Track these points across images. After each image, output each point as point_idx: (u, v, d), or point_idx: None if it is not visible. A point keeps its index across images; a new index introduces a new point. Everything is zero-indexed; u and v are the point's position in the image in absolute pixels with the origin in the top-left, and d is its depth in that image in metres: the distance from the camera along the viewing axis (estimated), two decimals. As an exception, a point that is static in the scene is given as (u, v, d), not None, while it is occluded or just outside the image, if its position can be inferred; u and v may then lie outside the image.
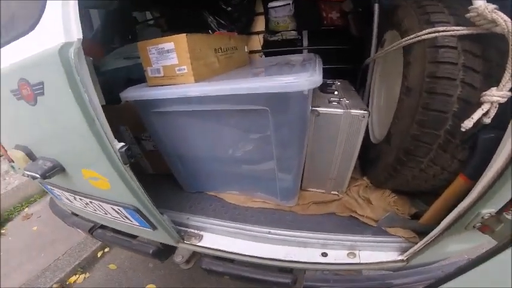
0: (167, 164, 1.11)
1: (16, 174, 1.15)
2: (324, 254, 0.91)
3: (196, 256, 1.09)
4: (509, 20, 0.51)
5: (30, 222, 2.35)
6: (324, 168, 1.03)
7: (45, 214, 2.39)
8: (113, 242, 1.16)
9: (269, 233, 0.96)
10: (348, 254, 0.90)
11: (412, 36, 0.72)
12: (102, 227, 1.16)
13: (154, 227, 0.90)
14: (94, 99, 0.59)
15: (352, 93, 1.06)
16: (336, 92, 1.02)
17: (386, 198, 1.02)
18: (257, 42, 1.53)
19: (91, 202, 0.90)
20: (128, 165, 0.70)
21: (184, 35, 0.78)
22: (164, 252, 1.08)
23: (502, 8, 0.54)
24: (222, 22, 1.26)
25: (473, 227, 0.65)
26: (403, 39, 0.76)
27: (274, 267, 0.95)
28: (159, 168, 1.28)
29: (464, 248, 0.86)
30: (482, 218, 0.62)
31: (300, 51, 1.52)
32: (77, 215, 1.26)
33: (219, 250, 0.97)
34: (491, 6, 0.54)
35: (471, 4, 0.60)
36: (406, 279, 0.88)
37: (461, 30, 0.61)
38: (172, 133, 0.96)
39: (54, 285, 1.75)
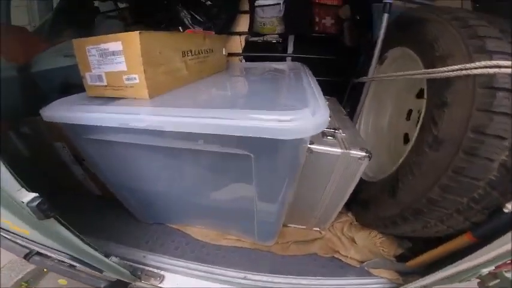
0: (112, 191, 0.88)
1: None
2: None
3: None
4: None
5: None
6: (309, 207, 0.86)
7: None
8: (55, 271, 0.91)
9: (245, 277, 0.81)
10: None
11: (457, 67, 0.51)
12: (38, 253, 0.91)
13: (100, 271, 0.71)
14: None
15: (346, 121, 0.89)
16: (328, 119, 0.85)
17: (372, 238, 0.91)
18: (237, 43, 1.32)
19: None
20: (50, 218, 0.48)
21: (136, 32, 0.54)
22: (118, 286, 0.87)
23: None
24: (198, 18, 1.03)
25: (467, 280, 0.64)
26: (443, 69, 0.54)
27: None
28: (108, 191, 1.03)
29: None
30: (480, 275, 0.60)
31: (284, 58, 1.33)
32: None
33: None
34: None
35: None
36: None
37: None
38: (113, 165, 0.72)
39: None
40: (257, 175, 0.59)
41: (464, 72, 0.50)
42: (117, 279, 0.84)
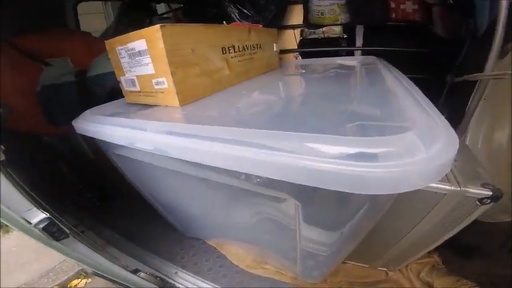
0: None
1: None
2: None
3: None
4: None
5: None
6: (382, 245, 0.63)
7: None
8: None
9: None
10: None
11: None
12: None
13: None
14: None
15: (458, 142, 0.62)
16: None
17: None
18: (292, 38, 1.13)
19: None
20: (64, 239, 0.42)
21: (157, 26, 0.43)
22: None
23: None
24: (246, 12, 0.91)
25: None
26: None
27: None
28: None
29: None
30: None
31: (351, 52, 1.08)
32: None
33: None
34: None
35: None
36: None
37: None
38: (146, 183, 0.64)
39: (55, 287, 1.65)
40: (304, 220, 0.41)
41: None
42: None
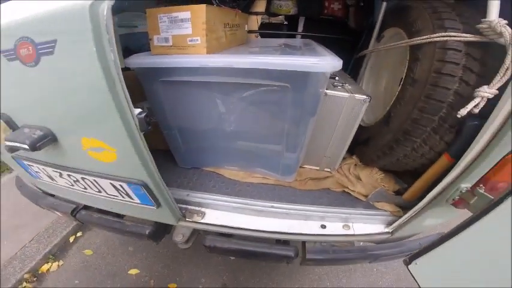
0: (165, 137, 1.07)
1: None
2: (323, 226, 0.98)
3: (194, 236, 1.07)
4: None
5: None
6: (321, 147, 1.09)
7: (3, 197, 2.09)
8: (100, 224, 1.06)
9: (272, 206, 0.99)
10: (343, 226, 0.99)
11: (425, 37, 0.79)
12: (86, 207, 1.07)
13: (158, 204, 0.85)
14: (117, 60, 0.54)
15: (350, 80, 1.12)
16: (337, 78, 1.07)
17: (374, 175, 1.12)
18: (254, 23, 1.50)
19: (83, 179, 0.81)
20: (143, 133, 0.66)
21: (204, 5, 0.73)
22: (160, 232, 1.04)
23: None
24: (225, -1, 1.21)
25: (453, 200, 0.76)
26: (417, 39, 0.83)
27: (273, 240, 0.99)
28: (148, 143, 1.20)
29: (437, 222, 0.98)
30: (461, 192, 0.73)
31: (294, 36, 1.53)
32: (52, 195, 1.13)
33: (224, 226, 0.97)
34: (503, 21, 0.64)
35: (479, 14, 0.69)
36: (390, 250, 0.99)
37: (470, 37, 0.71)
38: (177, 104, 0.92)
39: (26, 275, 1.58)
40: (291, 104, 0.82)
41: (429, 40, 0.78)
42: (159, 225, 1.01)
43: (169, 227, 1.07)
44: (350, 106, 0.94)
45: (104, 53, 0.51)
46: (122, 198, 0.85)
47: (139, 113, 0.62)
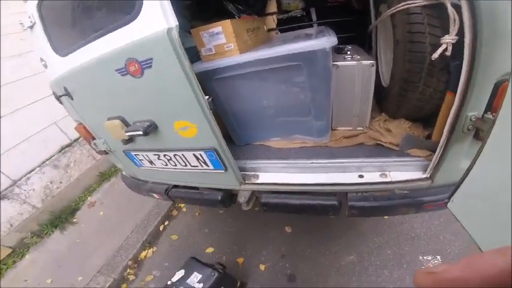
0: (223, 122, 1.42)
1: (99, 149, 1.45)
2: (361, 176, 1.12)
3: (253, 198, 1.38)
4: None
5: (96, 208, 2.75)
6: (348, 108, 1.32)
7: (107, 199, 2.79)
8: (186, 198, 1.48)
9: (312, 163, 1.23)
10: (380, 175, 1.10)
11: (393, 8, 1.04)
12: (174, 187, 1.48)
13: (226, 168, 1.18)
14: (191, 66, 0.90)
15: (361, 52, 1.34)
16: (348, 52, 1.32)
17: (402, 125, 1.28)
18: (271, 22, 1.82)
19: (175, 156, 1.22)
20: (211, 111, 1.01)
21: (228, 20, 1.10)
22: (227, 199, 1.37)
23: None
24: (241, 8, 1.54)
25: (468, 129, 0.85)
26: (389, 10, 1.08)
27: (319, 193, 1.17)
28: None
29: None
30: (471, 120, 0.82)
31: (311, 26, 1.81)
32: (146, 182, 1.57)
33: (275, 184, 1.24)
34: None
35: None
36: (433, 196, 1.02)
37: (421, 2, 0.94)
38: (229, 94, 1.29)
39: (129, 262, 2.11)
40: (307, 76, 1.11)
41: (398, 9, 1.01)
42: (227, 192, 1.34)
43: (234, 196, 1.39)
44: (361, 71, 1.18)
45: (182, 62, 0.88)
46: (201, 167, 1.23)
47: (208, 98, 0.99)
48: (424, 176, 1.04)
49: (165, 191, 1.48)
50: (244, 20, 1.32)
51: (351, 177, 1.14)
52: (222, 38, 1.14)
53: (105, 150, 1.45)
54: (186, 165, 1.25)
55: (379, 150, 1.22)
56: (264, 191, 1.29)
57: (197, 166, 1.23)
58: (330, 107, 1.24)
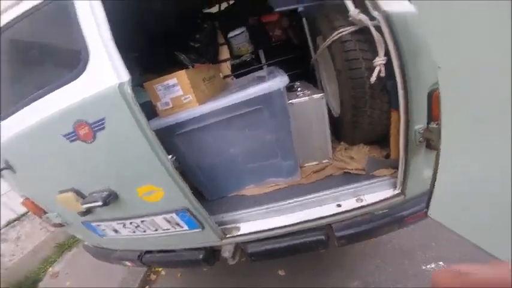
0: (190, 177, 1.35)
1: (54, 222, 1.28)
2: (339, 205, 1.15)
3: (238, 250, 1.29)
4: (367, 18, 0.88)
5: (60, 279, 2.51)
6: (309, 143, 1.37)
7: (72, 270, 2.55)
8: (163, 262, 1.32)
9: (289, 203, 1.21)
10: (356, 200, 1.14)
11: (328, 40, 1.11)
12: (148, 252, 1.33)
13: (202, 226, 1.11)
14: (147, 122, 0.85)
15: (310, 87, 1.46)
16: (299, 89, 1.42)
17: (362, 150, 1.37)
18: (226, 69, 1.91)
19: (142, 222, 1.11)
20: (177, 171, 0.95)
21: (183, 71, 1.10)
22: (210, 256, 1.26)
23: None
24: (193, 57, 1.59)
25: (420, 141, 0.92)
26: (325, 42, 1.15)
27: (304, 230, 1.14)
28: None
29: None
30: (419, 132, 0.90)
31: (261, 68, 1.93)
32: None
33: (258, 232, 1.18)
34: (357, 10, 0.92)
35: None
36: (410, 210, 1.08)
37: (350, 29, 1.02)
38: (194, 149, 1.25)
39: None
40: (268, 120, 1.15)
41: (332, 39, 1.08)
42: (208, 249, 1.24)
43: (217, 252, 1.29)
44: (313, 105, 1.26)
45: (138, 119, 0.81)
46: (174, 230, 1.13)
47: (171, 157, 0.94)
48: (396, 192, 1.09)
49: (138, 258, 1.32)
50: (199, 69, 1.35)
51: (330, 209, 1.16)
52: (178, 90, 1.12)
53: (60, 223, 1.28)
54: (157, 230, 1.14)
55: (348, 177, 1.27)
56: (248, 241, 1.22)
57: (169, 229, 1.13)
58: (293, 145, 1.27)
